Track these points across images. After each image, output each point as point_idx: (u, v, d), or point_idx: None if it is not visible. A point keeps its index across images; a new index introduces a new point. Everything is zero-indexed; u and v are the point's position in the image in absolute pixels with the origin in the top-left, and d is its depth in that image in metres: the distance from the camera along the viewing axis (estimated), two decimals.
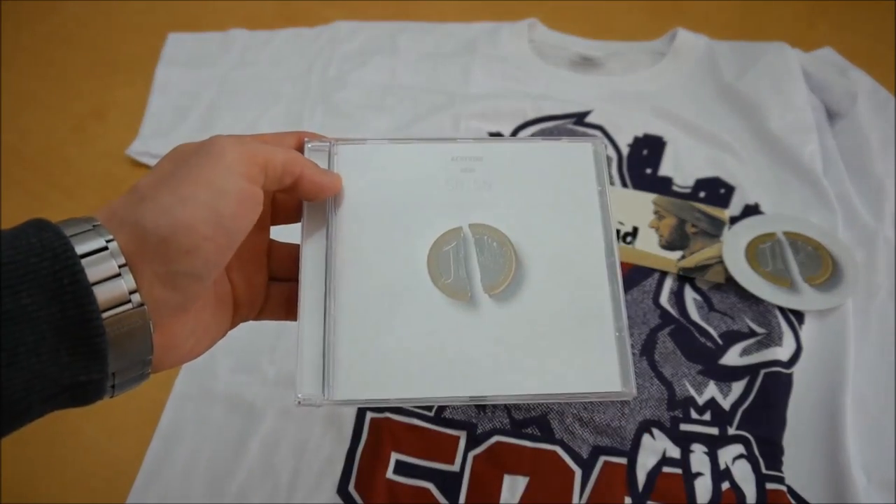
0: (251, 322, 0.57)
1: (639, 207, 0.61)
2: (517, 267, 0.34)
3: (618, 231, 0.60)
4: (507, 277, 0.34)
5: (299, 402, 0.32)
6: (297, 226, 0.35)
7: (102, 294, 0.24)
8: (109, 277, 0.24)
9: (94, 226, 0.25)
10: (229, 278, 0.34)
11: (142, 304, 0.25)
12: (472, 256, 0.34)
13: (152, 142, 0.69)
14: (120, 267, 0.25)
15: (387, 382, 0.32)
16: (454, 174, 0.36)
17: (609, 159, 0.66)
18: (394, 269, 0.34)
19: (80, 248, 0.24)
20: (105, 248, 0.24)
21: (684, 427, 0.50)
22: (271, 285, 0.36)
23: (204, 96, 0.73)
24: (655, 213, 0.61)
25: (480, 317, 0.33)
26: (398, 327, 0.33)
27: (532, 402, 0.40)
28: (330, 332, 0.32)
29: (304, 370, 0.32)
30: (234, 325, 0.34)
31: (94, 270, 0.24)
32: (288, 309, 0.35)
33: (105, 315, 0.24)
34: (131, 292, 0.25)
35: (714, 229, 0.60)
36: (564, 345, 0.33)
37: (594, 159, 0.36)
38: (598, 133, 0.68)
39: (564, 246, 0.35)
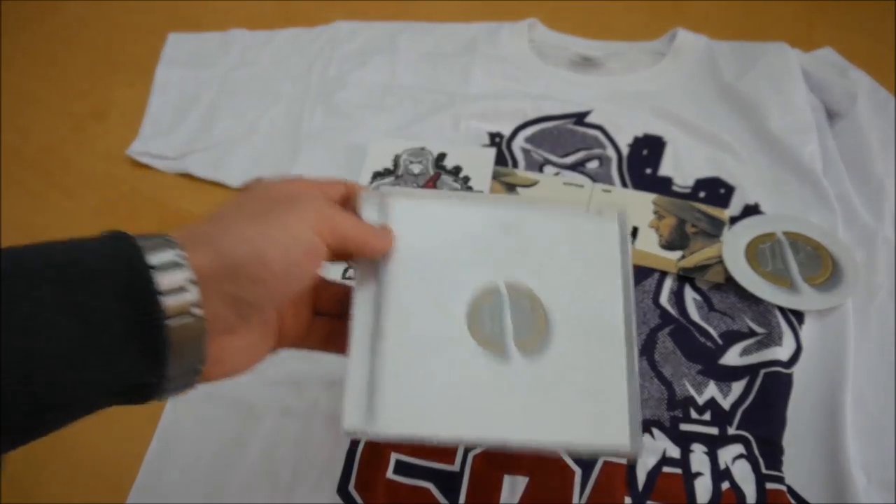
0: None
1: (639, 207, 0.61)
2: (546, 327, 0.37)
3: None
4: (537, 335, 0.37)
5: (345, 433, 0.35)
6: None
7: (169, 302, 0.26)
8: (177, 289, 0.27)
9: (166, 240, 0.28)
10: (279, 314, 0.37)
11: (202, 318, 0.28)
12: (507, 314, 0.37)
13: (152, 142, 0.70)
14: (187, 281, 0.27)
15: (424, 421, 0.35)
16: (496, 236, 0.39)
17: (610, 159, 0.66)
18: (436, 319, 0.37)
19: (153, 260, 0.27)
20: (176, 263, 0.27)
21: (684, 427, 0.50)
22: (315, 319, 0.39)
23: (204, 96, 0.73)
24: (655, 213, 0.61)
25: (510, 369, 0.36)
26: (437, 372, 0.36)
27: (548, 452, 0.43)
28: (376, 371, 0.35)
29: (350, 404, 0.35)
30: (275, 350, 0.37)
31: (164, 280, 0.26)
32: (327, 341, 0.39)
33: (169, 322, 0.27)
34: (194, 305, 0.27)
35: (714, 229, 0.60)
36: (582, 402, 0.36)
37: (619, 235, 0.40)
38: (598, 133, 0.68)
39: (589, 312, 0.38)
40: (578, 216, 0.40)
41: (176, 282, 0.27)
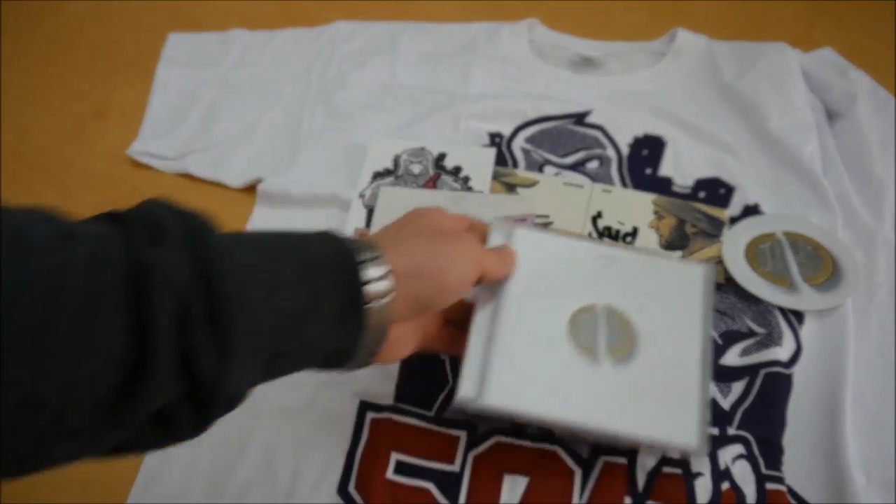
0: None
1: (639, 207, 0.61)
2: (633, 343, 0.45)
3: (618, 231, 0.60)
4: (625, 348, 0.45)
5: (458, 401, 0.43)
6: None
7: (370, 289, 0.35)
8: (378, 278, 0.35)
9: (371, 244, 0.36)
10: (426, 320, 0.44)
11: (391, 305, 0.36)
12: (602, 327, 0.46)
13: (152, 142, 0.70)
14: (385, 276, 0.35)
15: (524, 401, 0.43)
16: (596, 265, 0.48)
17: (610, 159, 0.66)
18: (542, 325, 0.45)
19: (361, 256, 0.35)
20: (378, 261, 0.35)
21: None
22: (444, 327, 0.46)
23: (204, 96, 0.73)
24: (655, 213, 0.61)
25: (600, 371, 0.44)
26: (540, 365, 0.44)
27: (625, 444, 0.47)
28: (490, 358, 0.44)
29: (467, 379, 0.43)
30: (416, 349, 0.43)
31: (368, 272, 0.35)
32: (450, 346, 0.46)
33: (368, 306, 0.35)
34: (387, 294, 0.35)
35: (714, 229, 0.60)
36: (659, 405, 0.44)
37: (703, 281, 0.48)
38: (598, 133, 0.68)
39: (670, 334, 0.46)
40: (669, 260, 0.51)
41: (376, 273, 0.35)
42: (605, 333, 0.45)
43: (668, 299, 0.47)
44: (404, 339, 0.41)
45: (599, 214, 0.61)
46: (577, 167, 0.65)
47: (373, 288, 0.35)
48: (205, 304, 0.27)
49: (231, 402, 0.31)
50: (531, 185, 0.63)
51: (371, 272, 0.35)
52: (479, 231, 0.46)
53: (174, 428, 0.29)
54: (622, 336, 0.45)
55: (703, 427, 0.43)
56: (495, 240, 0.47)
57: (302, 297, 0.32)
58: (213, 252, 0.29)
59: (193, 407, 0.29)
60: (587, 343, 0.45)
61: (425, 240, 0.40)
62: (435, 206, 0.44)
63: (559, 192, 0.62)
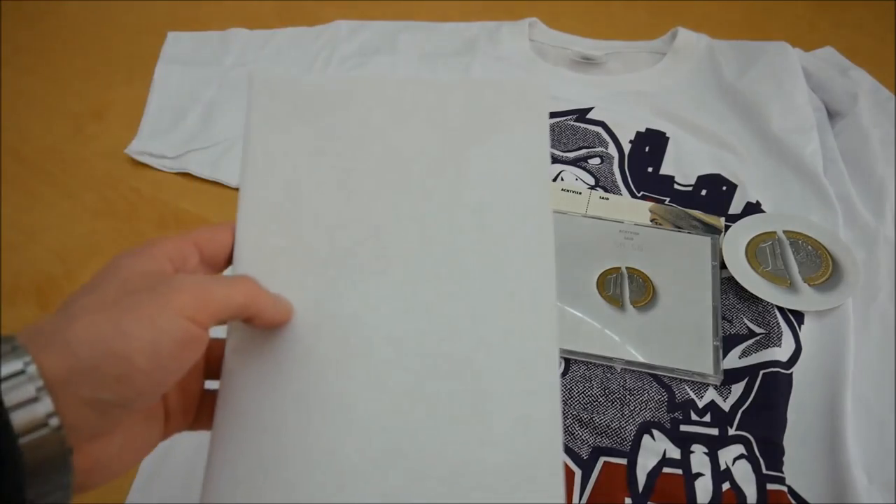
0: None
1: (636, 215, 0.61)
2: (653, 295, 0.55)
3: None
4: (646, 298, 0.55)
5: None
6: None
7: (19, 418, 0.23)
8: (26, 402, 0.23)
9: (13, 347, 0.24)
10: (163, 401, 0.32)
11: (60, 428, 0.24)
12: (626, 284, 0.56)
13: (151, 141, 0.69)
14: (37, 390, 0.24)
15: (565, 339, 0.51)
16: (620, 238, 0.59)
17: (612, 157, 0.66)
18: (577, 284, 0.56)
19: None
20: (22, 372, 0.23)
21: (684, 428, 0.50)
22: (207, 393, 0.33)
23: (203, 96, 0.73)
24: (652, 220, 0.61)
25: (626, 316, 0.54)
26: (577, 314, 0.54)
27: (648, 370, 0.53)
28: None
29: None
30: (166, 436, 0.33)
31: (11, 395, 0.23)
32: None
33: (22, 440, 0.23)
34: (49, 416, 0.24)
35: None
36: (678, 343, 0.53)
37: (711, 248, 0.58)
38: (599, 129, 0.68)
39: (686, 292, 0.55)
40: (683, 233, 0.59)
41: (24, 394, 0.23)
42: (629, 288, 0.55)
43: (682, 262, 0.57)
44: (120, 453, 0.29)
45: None
46: (578, 162, 0.65)
47: (22, 416, 0.23)
48: None
49: None
50: None
51: (15, 393, 0.23)
52: (222, 244, 0.32)
53: None
54: (643, 290, 0.55)
55: (718, 361, 0.51)
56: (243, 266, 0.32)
57: None
58: None
59: None
60: (614, 295, 0.55)
61: (103, 312, 0.26)
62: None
63: (557, 198, 0.62)
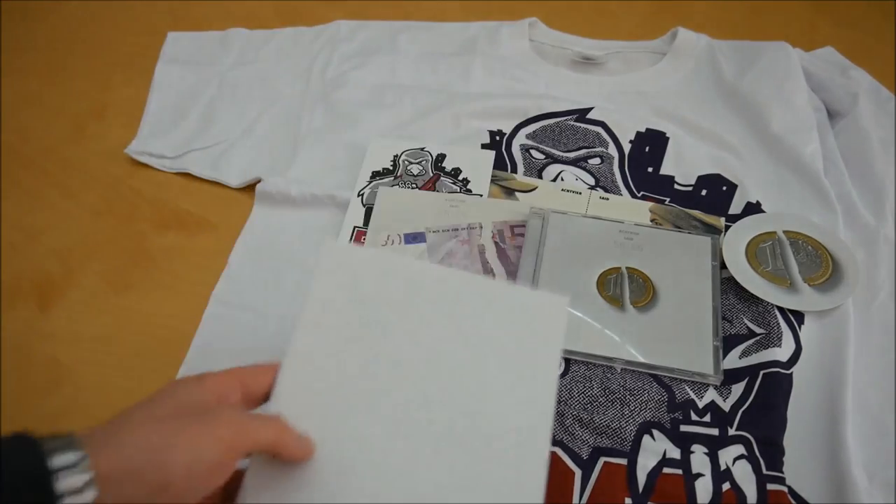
0: (251, 324, 0.57)
1: (636, 215, 0.61)
2: (653, 295, 0.55)
3: None
4: (646, 298, 0.55)
5: None
6: None
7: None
8: (76, 491, 0.28)
9: (71, 441, 0.29)
10: None
11: None
12: (626, 284, 0.56)
13: (151, 141, 0.69)
14: (87, 483, 0.28)
15: (566, 339, 0.41)
16: (620, 238, 0.58)
17: (612, 157, 0.66)
18: (577, 284, 0.56)
19: (55, 462, 0.28)
20: (77, 465, 0.28)
21: (684, 428, 0.50)
22: None
23: (203, 95, 0.73)
24: (652, 220, 0.61)
25: (626, 317, 0.54)
26: (577, 314, 0.54)
27: (648, 370, 0.52)
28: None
29: None
30: None
31: (63, 483, 0.27)
32: None
33: None
34: None
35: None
36: (678, 343, 0.53)
37: (711, 248, 0.58)
38: (599, 129, 0.68)
39: (686, 292, 0.55)
40: (683, 233, 0.59)
41: (75, 484, 0.27)
42: (629, 288, 0.55)
43: (682, 262, 0.57)
44: None
45: None
46: (578, 162, 0.65)
47: (70, 502, 0.27)
48: None
49: None
50: (530, 190, 0.63)
51: (67, 482, 0.27)
52: (264, 381, 0.37)
53: None
54: (643, 290, 0.55)
55: (718, 361, 0.52)
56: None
57: None
58: None
59: None
60: (614, 296, 0.55)
61: (155, 425, 0.31)
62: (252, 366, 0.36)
63: (557, 198, 0.62)
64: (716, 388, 0.51)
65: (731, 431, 0.49)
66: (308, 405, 0.37)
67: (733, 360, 0.53)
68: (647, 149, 0.66)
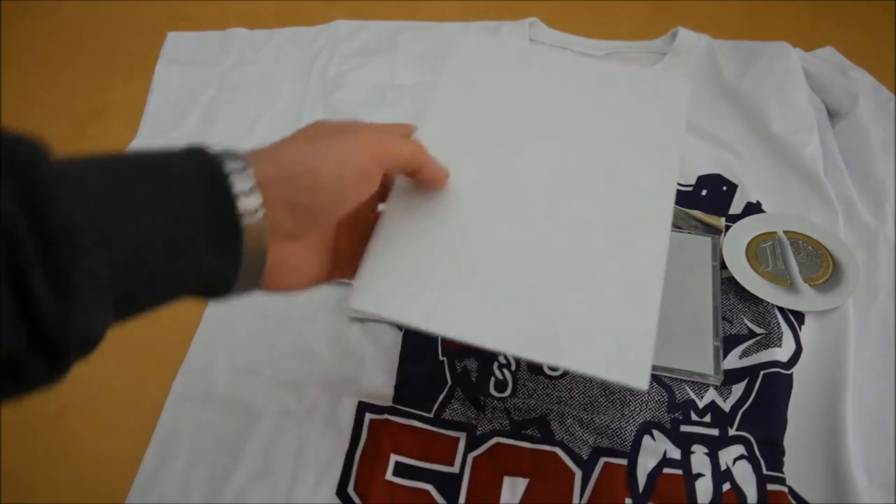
0: (250, 324, 0.57)
1: None
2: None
3: None
4: None
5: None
6: None
7: (242, 204, 0.30)
8: (245, 192, 0.30)
9: (234, 154, 0.32)
10: (337, 241, 0.40)
11: (266, 218, 0.31)
12: None
13: (151, 141, 0.69)
14: (250, 189, 0.31)
15: None
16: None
17: None
18: None
19: (227, 167, 0.30)
20: (245, 170, 0.31)
21: (685, 428, 0.50)
22: (362, 246, 0.41)
23: (203, 95, 0.73)
24: None
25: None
26: None
27: (658, 372, 0.53)
28: None
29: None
30: (329, 279, 0.40)
31: (237, 186, 0.30)
32: None
33: (244, 220, 0.30)
34: (258, 208, 0.31)
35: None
36: (680, 341, 0.53)
37: (711, 248, 0.58)
38: None
39: (686, 292, 0.55)
40: (683, 233, 0.59)
41: (243, 188, 0.30)
42: None
43: (682, 262, 0.57)
44: (301, 264, 0.37)
45: None
46: None
47: (241, 204, 0.30)
48: (37, 238, 0.24)
49: (85, 344, 0.27)
50: None
51: (239, 185, 0.30)
52: (403, 130, 0.41)
53: (28, 376, 0.26)
54: None
55: (718, 362, 0.52)
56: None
57: (159, 224, 0.28)
58: (46, 178, 0.26)
59: (44, 352, 0.25)
60: None
61: (304, 141, 0.35)
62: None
63: None
64: (716, 388, 0.51)
65: (732, 432, 0.49)
66: (448, 145, 0.42)
67: (733, 360, 0.53)
68: None
